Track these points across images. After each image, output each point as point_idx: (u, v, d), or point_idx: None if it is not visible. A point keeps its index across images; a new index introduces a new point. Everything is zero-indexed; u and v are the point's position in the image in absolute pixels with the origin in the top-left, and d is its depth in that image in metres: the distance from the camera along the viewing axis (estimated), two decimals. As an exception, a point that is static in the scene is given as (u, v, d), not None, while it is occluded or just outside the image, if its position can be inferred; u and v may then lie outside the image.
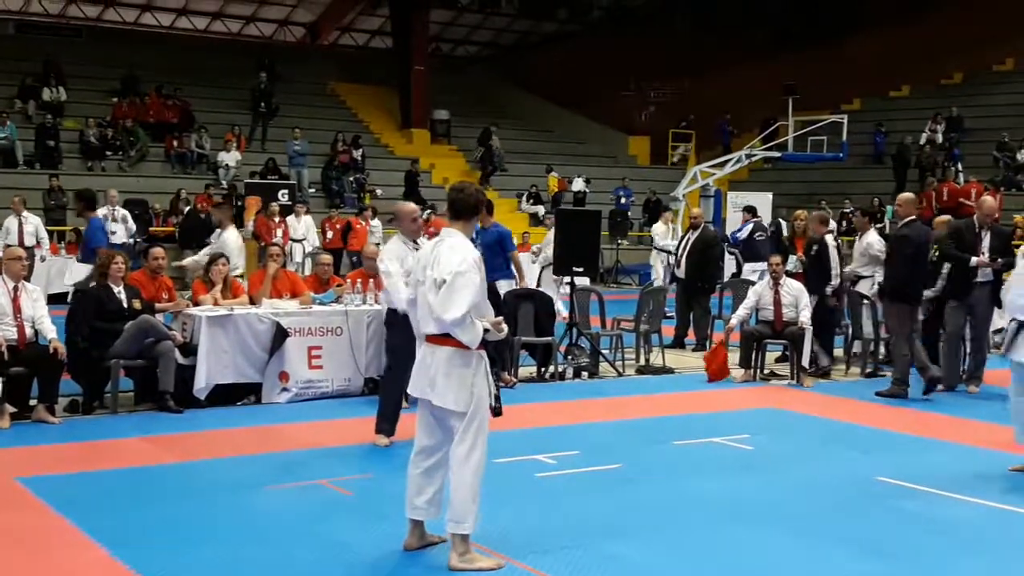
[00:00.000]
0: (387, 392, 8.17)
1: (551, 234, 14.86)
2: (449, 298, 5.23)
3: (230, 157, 25.90)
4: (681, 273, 13.98)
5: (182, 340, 9.34)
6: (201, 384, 9.29)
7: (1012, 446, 7.80)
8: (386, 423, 8.09)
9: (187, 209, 22.27)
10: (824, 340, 11.72)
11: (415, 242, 7.85)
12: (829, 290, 11.70)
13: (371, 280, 10.38)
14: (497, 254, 10.92)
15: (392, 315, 7.90)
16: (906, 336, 10.51)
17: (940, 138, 28.79)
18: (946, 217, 12.22)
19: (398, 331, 7.54)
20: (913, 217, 10.67)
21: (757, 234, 16.01)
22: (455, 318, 5.23)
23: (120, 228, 18.54)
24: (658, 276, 19.46)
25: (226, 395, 9.52)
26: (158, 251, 10.29)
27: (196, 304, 9.90)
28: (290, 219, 20.56)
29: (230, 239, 11.82)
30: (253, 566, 5.40)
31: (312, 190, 26.53)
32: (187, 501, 6.55)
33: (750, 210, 18.68)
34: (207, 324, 9.36)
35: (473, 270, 5.29)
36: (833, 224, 14.50)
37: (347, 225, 21.41)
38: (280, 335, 9.62)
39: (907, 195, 11.17)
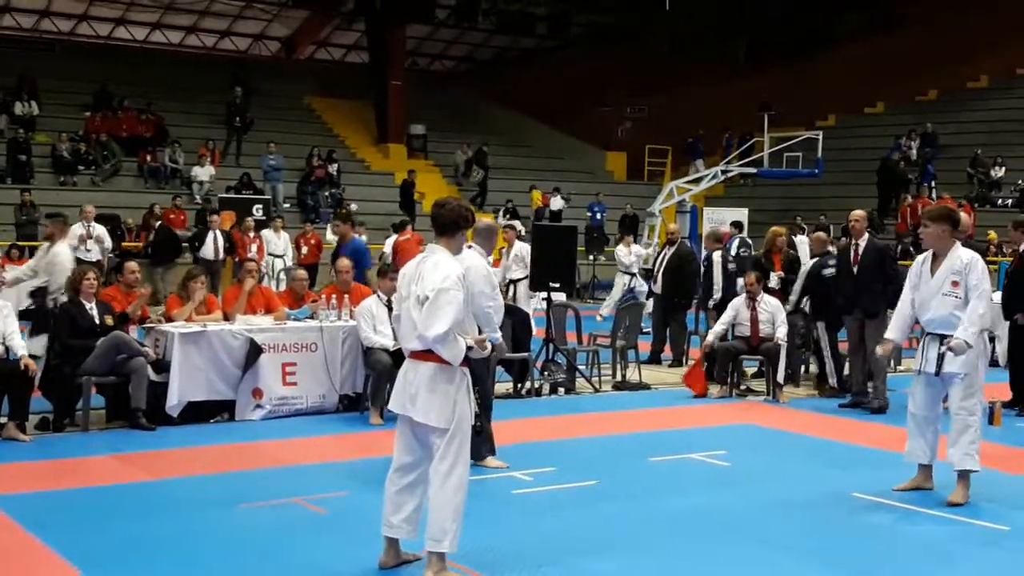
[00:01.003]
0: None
1: (518, 247, 14.89)
2: (433, 315, 5.21)
3: (204, 172, 25.79)
4: (658, 289, 13.99)
5: (154, 357, 9.26)
6: (174, 401, 9.20)
7: (985, 460, 7.81)
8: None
9: (158, 224, 22.11)
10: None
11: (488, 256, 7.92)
12: (711, 303, 12.25)
13: (345, 296, 10.34)
14: (355, 267, 10.90)
15: None
16: (854, 349, 10.74)
17: (914, 154, 29.01)
18: (821, 234, 12.39)
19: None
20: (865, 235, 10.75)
21: (742, 249, 16.18)
22: (438, 334, 5.20)
23: (95, 246, 18.41)
24: (613, 298, 19.74)
25: (199, 412, 9.42)
26: (132, 265, 10.22)
27: (169, 320, 9.81)
28: (268, 234, 20.50)
29: (60, 255, 10.78)
30: (226, 586, 5.34)
31: (287, 205, 26.44)
32: (160, 520, 6.47)
33: (737, 225, 18.80)
34: (180, 340, 9.28)
35: (457, 287, 5.27)
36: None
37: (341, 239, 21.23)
38: (254, 351, 9.54)
39: (861, 212, 11.21)
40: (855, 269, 10.61)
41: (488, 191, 30.14)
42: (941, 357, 7.04)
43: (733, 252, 16.00)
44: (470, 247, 7.13)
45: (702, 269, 13.67)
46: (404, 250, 17.43)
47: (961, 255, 7.17)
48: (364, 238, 21.63)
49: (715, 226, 14.13)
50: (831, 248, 11.93)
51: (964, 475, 7.11)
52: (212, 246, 19.91)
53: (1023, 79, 31.92)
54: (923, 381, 7.28)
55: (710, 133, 32.82)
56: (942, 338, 7.09)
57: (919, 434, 7.32)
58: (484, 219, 8.41)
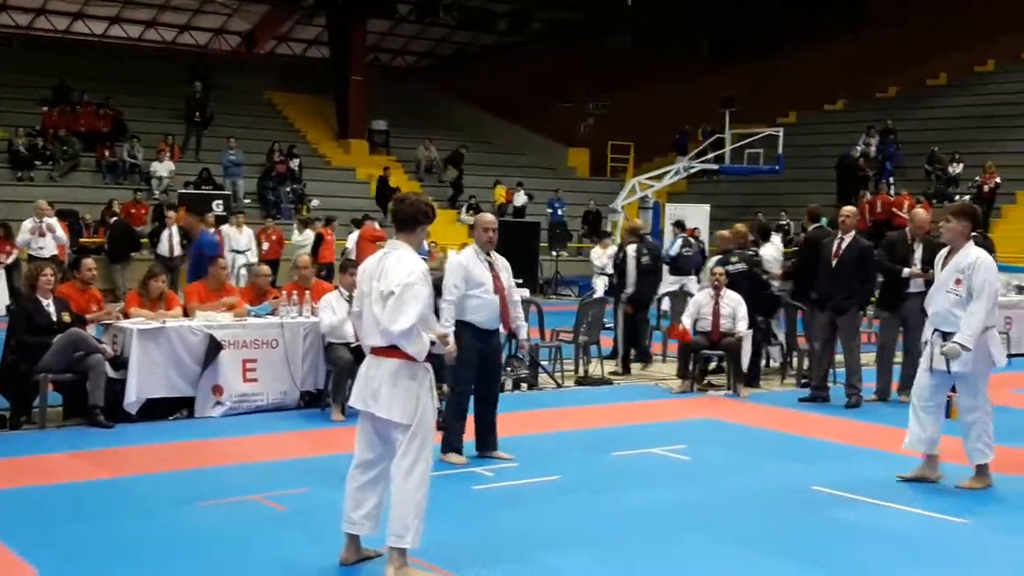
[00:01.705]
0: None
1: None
2: (397, 309, 5.18)
3: (163, 167, 25.56)
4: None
5: (113, 353, 9.15)
6: (132, 398, 9.10)
7: (946, 455, 7.90)
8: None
9: (114, 220, 21.85)
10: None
11: (488, 254, 8.02)
12: (624, 297, 12.45)
13: (307, 292, 10.28)
14: (203, 261, 10.93)
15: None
16: (821, 343, 10.85)
17: (874, 151, 29.25)
18: (725, 232, 12.68)
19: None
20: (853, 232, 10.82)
21: (684, 249, 16.37)
22: (403, 330, 5.18)
23: (49, 242, 18.14)
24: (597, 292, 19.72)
25: (158, 409, 9.33)
26: (89, 262, 10.09)
27: (127, 316, 9.70)
28: (230, 229, 20.33)
29: None
30: (184, 584, 5.29)
31: (247, 200, 26.25)
32: (118, 518, 6.40)
33: (679, 225, 18.98)
34: (138, 337, 9.18)
35: (421, 282, 5.25)
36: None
37: (318, 236, 21.15)
38: (214, 348, 9.46)
39: (852, 208, 11.33)
40: (834, 263, 10.63)
41: (464, 188, 30.04)
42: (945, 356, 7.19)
43: (675, 251, 16.24)
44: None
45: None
46: (362, 246, 17.41)
47: (970, 253, 7.29)
48: (306, 234, 21.62)
49: (632, 221, 14.33)
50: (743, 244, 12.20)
51: (981, 467, 7.37)
52: (167, 243, 19.72)
53: (981, 77, 32.32)
54: (927, 373, 7.44)
55: (672, 129, 32.95)
56: (944, 335, 7.26)
57: (918, 424, 7.48)
58: (484, 215, 8.51)
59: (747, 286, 11.60)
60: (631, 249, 12.84)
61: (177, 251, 19.65)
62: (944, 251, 7.55)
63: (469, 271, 7.88)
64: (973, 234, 7.60)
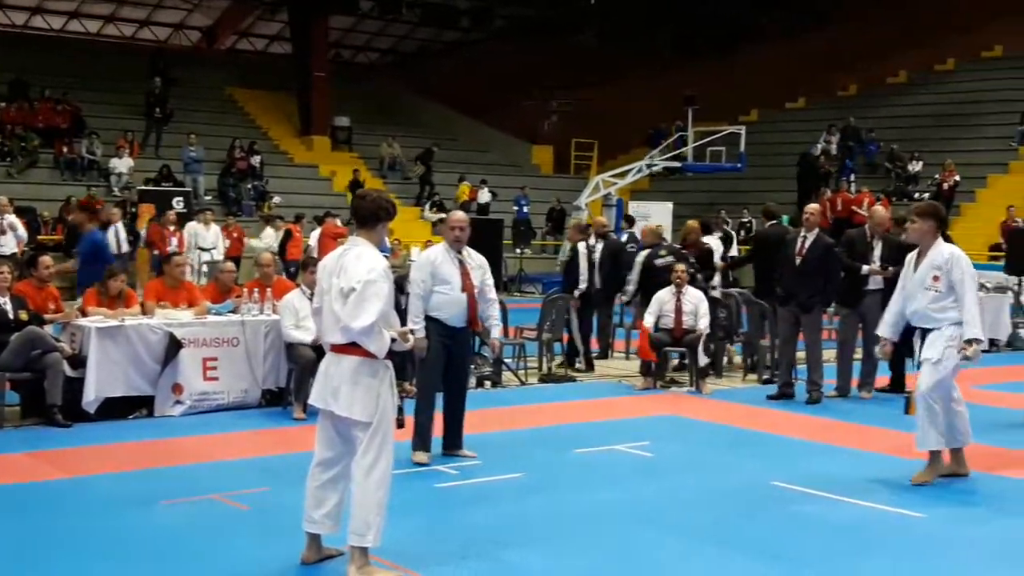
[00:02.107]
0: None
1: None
2: (359, 306, 5.15)
3: (122, 163, 25.32)
4: (599, 283, 13.77)
5: (71, 352, 9.04)
6: (91, 397, 9.00)
7: (904, 451, 7.99)
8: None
9: (71, 217, 21.59)
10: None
11: (460, 252, 7.95)
12: (576, 293, 12.53)
13: (268, 290, 10.21)
14: (92, 262, 10.77)
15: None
16: (786, 340, 10.92)
17: (835, 148, 29.49)
18: (651, 225, 12.98)
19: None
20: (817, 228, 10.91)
21: (629, 245, 16.47)
22: (364, 327, 5.15)
23: (10, 239, 17.89)
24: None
25: (117, 408, 9.24)
26: (47, 259, 9.94)
27: (86, 315, 9.59)
28: (197, 227, 20.19)
29: None
30: (143, 585, 5.24)
31: (208, 197, 26.05)
32: (77, 518, 6.32)
33: (628, 220, 19.08)
34: (97, 335, 9.08)
35: (382, 279, 5.22)
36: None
37: (287, 233, 21.03)
38: (174, 346, 9.37)
39: (816, 205, 11.46)
40: (798, 261, 10.69)
41: (434, 186, 29.95)
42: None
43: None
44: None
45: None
46: (324, 243, 17.31)
47: (942, 250, 7.37)
48: (267, 232, 21.44)
49: (578, 217, 14.48)
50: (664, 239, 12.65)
51: (934, 456, 7.39)
52: (114, 239, 19.54)
53: (941, 76, 32.69)
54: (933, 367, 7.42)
55: (636, 127, 33.06)
56: (924, 332, 7.36)
57: (930, 422, 7.40)
58: (454, 213, 8.46)
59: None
60: (581, 246, 12.88)
61: (125, 247, 19.49)
62: (913, 253, 7.60)
63: (436, 267, 7.85)
64: None
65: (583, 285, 12.64)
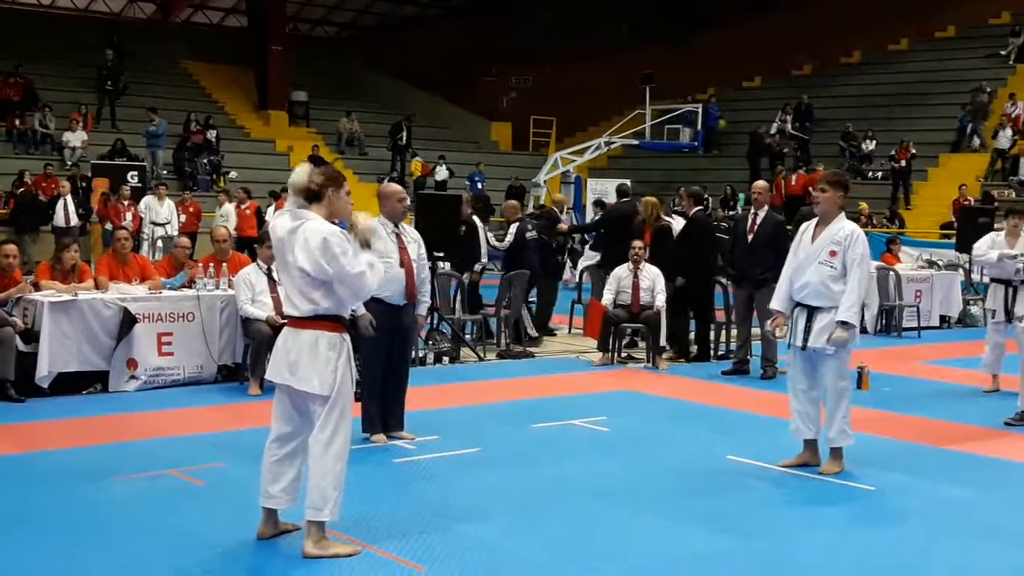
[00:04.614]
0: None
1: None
2: (348, 262, 5.14)
3: (76, 137, 24.95)
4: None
5: (23, 326, 8.94)
6: (43, 372, 8.92)
7: (855, 426, 8.09)
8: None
9: (20, 191, 21.26)
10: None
11: (396, 224, 7.72)
12: (478, 267, 12.85)
13: (223, 264, 10.14)
14: None
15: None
16: (742, 319, 11.08)
17: (790, 127, 29.66)
18: (512, 202, 14.17)
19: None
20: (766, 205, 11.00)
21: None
22: (361, 270, 5.18)
23: None
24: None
25: (71, 383, 9.16)
26: (10, 249, 9.57)
27: (38, 288, 9.47)
28: (152, 201, 20.00)
29: None
30: (99, 560, 5.20)
31: (164, 172, 25.76)
32: (28, 493, 6.27)
33: (599, 204, 19.27)
34: (50, 310, 8.98)
35: (340, 238, 5.19)
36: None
37: (257, 210, 20.53)
38: (128, 321, 9.30)
39: (763, 183, 11.53)
40: (750, 238, 10.78)
41: (401, 159, 29.66)
42: (807, 331, 6.95)
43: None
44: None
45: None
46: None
47: (844, 226, 6.97)
48: (226, 207, 21.18)
49: (510, 203, 14.78)
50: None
51: (837, 450, 7.13)
52: (63, 212, 19.32)
53: (894, 55, 32.92)
54: (797, 354, 7.16)
55: (594, 105, 33.05)
56: (811, 311, 7.01)
57: (801, 408, 7.18)
58: (391, 185, 8.22)
59: (538, 252, 12.89)
60: (513, 227, 13.09)
61: (74, 220, 19.29)
62: (811, 223, 7.16)
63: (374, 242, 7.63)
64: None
65: (484, 260, 13.03)
